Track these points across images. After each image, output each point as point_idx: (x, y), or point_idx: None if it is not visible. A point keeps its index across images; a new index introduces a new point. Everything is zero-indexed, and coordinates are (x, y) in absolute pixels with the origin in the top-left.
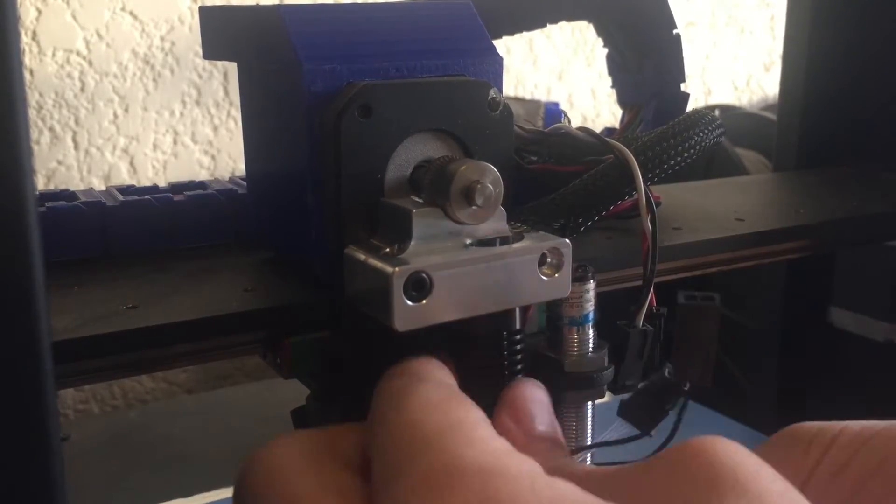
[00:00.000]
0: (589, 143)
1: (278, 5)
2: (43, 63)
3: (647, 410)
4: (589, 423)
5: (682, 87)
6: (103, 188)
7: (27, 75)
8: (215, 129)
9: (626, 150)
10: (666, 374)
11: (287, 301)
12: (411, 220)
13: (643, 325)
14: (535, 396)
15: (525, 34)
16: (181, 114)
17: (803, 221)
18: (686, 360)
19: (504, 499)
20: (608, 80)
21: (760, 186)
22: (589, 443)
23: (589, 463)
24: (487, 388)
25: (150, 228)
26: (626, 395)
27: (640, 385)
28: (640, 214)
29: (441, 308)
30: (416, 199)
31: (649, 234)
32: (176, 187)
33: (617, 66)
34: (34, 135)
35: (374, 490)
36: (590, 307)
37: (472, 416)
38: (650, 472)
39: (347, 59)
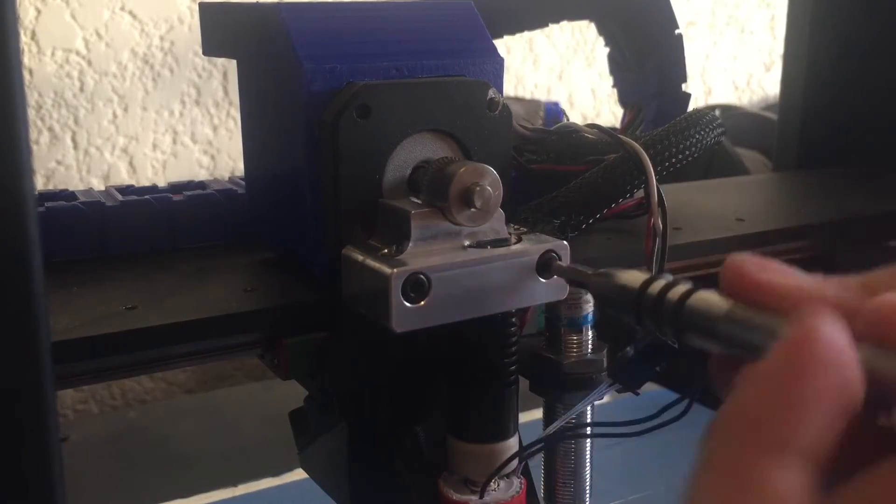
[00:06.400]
0: (590, 143)
1: (279, 3)
2: (42, 63)
3: (636, 370)
4: (587, 460)
5: (684, 87)
6: (103, 188)
7: (26, 75)
8: (215, 128)
9: (637, 145)
10: (657, 334)
11: (286, 302)
12: (410, 222)
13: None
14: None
15: (525, 34)
16: (180, 113)
17: (803, 221)
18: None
19: None
20: (608, 80)
21: (760, 186)
22: (587, 484)
23: (589, 451)
24: (485, 390)
25: (149, 228)
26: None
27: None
28: (646, 212)
29: (439, 309)
30: (415, 200)
31: (659, 231)
32: (175, 187)
33: (618, 66)
34: (33, 135)
35: None
36: (588, 308)
37: None
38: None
39: (347, 59)
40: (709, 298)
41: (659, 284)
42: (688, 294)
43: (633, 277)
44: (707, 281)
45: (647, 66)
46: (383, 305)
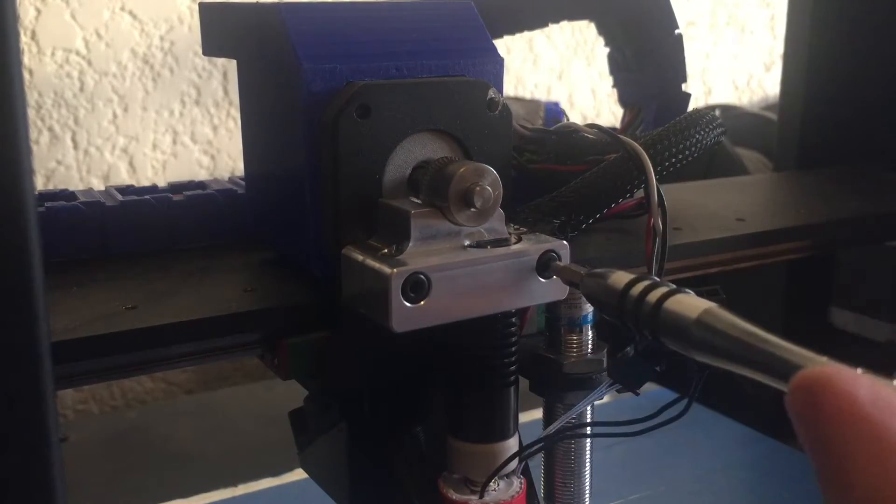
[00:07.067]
0: (591, 142)
1: (279, 3)
2: (42, 63)
3: (636, 370)
4: (587, 459)
5: (683, 87)
6: (102, 188)
7: (26, 75)
8: (215, 128)
9: (637, 145)
10: None
11: (286, 302)
12: (410, 222)
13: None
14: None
15: (525, 34)
16: (180, 113)
17: (803, 221)
18: None
19: None
20: (608, 80)
21: (760, 186)
22: (587, 484)
23: (589, 451)
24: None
25: (149, 228)
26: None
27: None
28: (646, 212)
29: (439, 310)
30: (415, 199)
31: (659, 231)
32: (175, 187)
33: (618, 66)
34: (33, 134)
35: None
36: (589, 308)
37: None
38: None
39: (347, 59)
40: (685, 301)
41: (641, 286)
42: (665, 296)
43: (618, 278)
44: (705, 281)
45: (647, 66)
46: (383, 305)
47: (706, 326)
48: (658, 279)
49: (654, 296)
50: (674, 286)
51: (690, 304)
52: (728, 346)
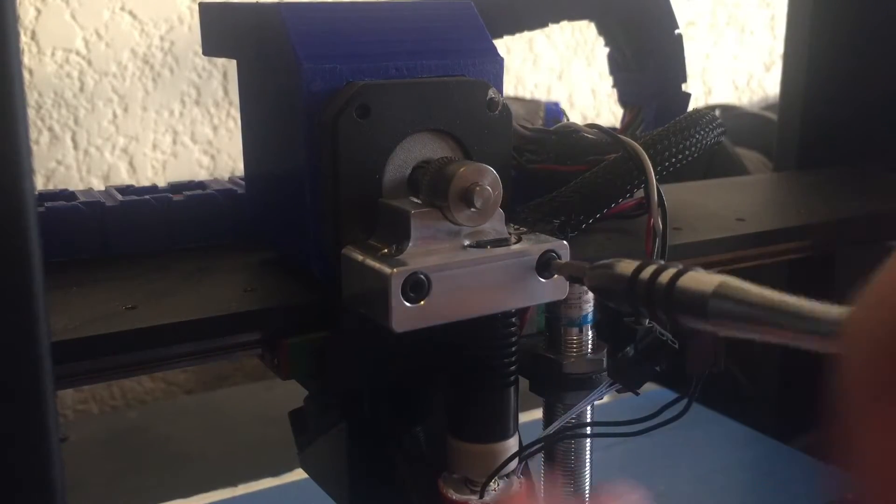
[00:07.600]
0: (591, 142)
1: (279, 3)
2: (42, 63)
3: (636, 370)
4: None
5: (684, 87)
6: (102, 188)
7: (26, 75)
8: (215, 128)
9: (637, 145)
10: (657, 333)
11: (286, 302)
12: (409, 221)
13: (650, 322)
14: None
15: (525, 34)
16: (180, 113)
17: (803, 221)
18: (697, 348)
19: None
20: (608, 80)
21: (760, 186)
22: (588, 484)
23: (589, 451)
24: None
25: (149, 228)
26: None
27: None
28: (646, 212)
29: (439, 309)
30: (415, 199)
31: (659, 231)
32: (175, 187)
33: (618, 66)
34: (33, 134)
35: None
36: (588, 308)
37: None
38: None
39: (347, 59)
40: (699, 277)
41: (650, 269)
42: (678, 275)
43: (625, 266)
44: None
45: (648, 66)
46: (383, 305)
47: (725, 296)
48: (665, 262)
49: (665, 276)
50: (682, 266)
51: (704, 279)
52: (751, 312)
